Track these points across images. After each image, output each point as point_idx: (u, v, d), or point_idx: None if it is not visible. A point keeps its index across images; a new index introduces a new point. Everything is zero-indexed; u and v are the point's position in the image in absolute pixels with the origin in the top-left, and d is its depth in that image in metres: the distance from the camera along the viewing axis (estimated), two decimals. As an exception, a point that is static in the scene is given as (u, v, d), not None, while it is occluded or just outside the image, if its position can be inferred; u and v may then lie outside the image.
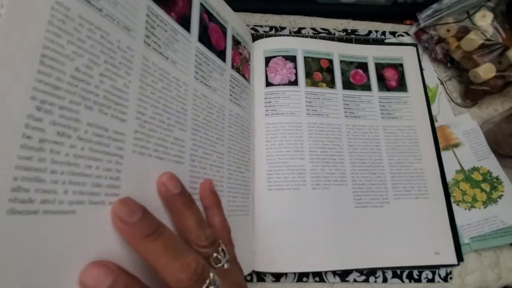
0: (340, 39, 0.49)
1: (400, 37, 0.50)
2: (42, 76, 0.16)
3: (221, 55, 0.36)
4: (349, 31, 0.50)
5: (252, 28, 0.48)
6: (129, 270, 0.18)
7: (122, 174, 0.21)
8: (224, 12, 0.38)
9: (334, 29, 0.49)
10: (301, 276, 0.38)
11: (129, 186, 0.21)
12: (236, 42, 0.40)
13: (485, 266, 0.40)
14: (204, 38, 0.33)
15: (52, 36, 0.17)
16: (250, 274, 0.37)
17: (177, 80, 0.28)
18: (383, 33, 0.50)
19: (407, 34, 0.50)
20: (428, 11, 0.47)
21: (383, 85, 0.45)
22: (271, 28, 0.49)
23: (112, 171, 0.20)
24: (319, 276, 0.38)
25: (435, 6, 0.46)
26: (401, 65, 0.46)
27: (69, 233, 0.17)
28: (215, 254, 0.23)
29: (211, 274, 0.20)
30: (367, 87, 0.44)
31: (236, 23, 0.40)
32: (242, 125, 0.38)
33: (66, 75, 0.18)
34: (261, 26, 0.48)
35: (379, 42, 0.49)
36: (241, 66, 0.40)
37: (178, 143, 0.27)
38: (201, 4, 0.34)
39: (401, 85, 0.45)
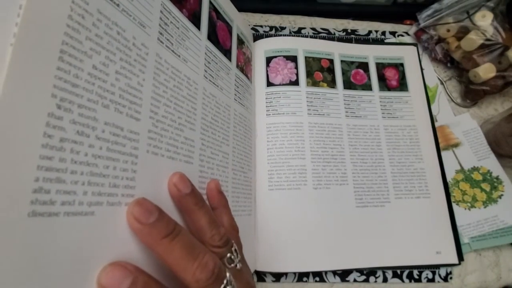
0: (340, 39, 0.49)
1: (400, 37, 0.50)
2: (62, 73, 0.16)
3: (227, 54, 0.36)
4: (349, 31, 0.50)
5: (252, 28, 0.48)
6: (146, 271, 0.18)
7: (137, 174, 0.20)
8: (230, 11, 0.38)
9: (334, 29, 0.49)
10: (301, 276, 0.38)
11: (143, 187, 0.21)
12: (241, 42, 0.40)
13: (485, 266, 0.40)
14: (213, 36, 0.33)
15: (71, 31, 0.17)
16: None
17: (188, 78, 0.28)
18: (383, 33, 0.50)
19: (407, 34, 0.50)
20: (428, 11, 0.47)
21: (384, 84, 0.45)
22: (271, 28, 0.49)
23: (128, 171, 0.20)
24: (319, 276, 0.38)
25: (435, 6, 0.46)
26: (401, 64, 0.46)
27: (88, 235, 0.17)
28: (228, 254, 0.23)
29: (228, 274, 0.20)
30: (367, 86, 0.44)
31: (240, 22, 0.41)
32: (245, 125, 0.38)
33: (84, 72, 0.18)
34: (261, 26, 0.48)
35: (379, 42, 0.49)
36: (245, 66, 0.40)
37: (188, 143, 0.27)
38: (210, 2, 0.34)
39: (402, 85, 0.45)
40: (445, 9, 0.46)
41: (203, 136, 0.29)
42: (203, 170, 0.28)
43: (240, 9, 0.49)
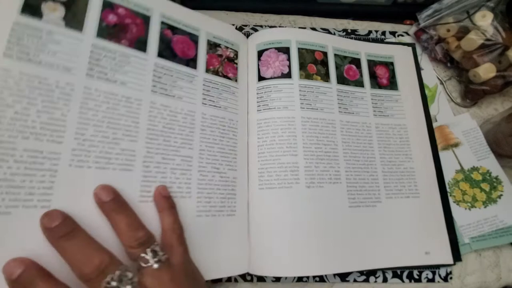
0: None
1: (400, 37, 0.50)
2: None
3: (191, 63, 0.38)
4: (349, 31, 0.50)
5: (252, 28, 0.48)
6: (54, 268, 0.24)
7: (56, 184, 0.26)
8: (194, 22, 0.39)
9: (334, 29, 0.49)
10: (301, 276, 0.37)
11: (61, 194, 0.26)
12: (214, 45, 0.41)
13: (485, 266, 0.40)
14: (166, 52, 0.36)
15: None
16: (250, 274, 0.37)
17: (128, 98, 0.31)
18: (383, 33, 0.50)
19: (407, 34, 0.50)
20: (428, 11, 0.47)
21: (375, 82, 0.45)
22: (271, 28, 0.48)
23: (45, 182, 0.25)
24: (319, 276, 0.38)
25: (435, 6, 0.46)
26: (392, 63, 0.46)
27: (3, 231, 0.24)
28: (142, 254, 0.25)
29: (117, 272, 0.23)
30: (360, 83, 0.44)
31: (213, 27, 0.41)
32: (222, 125, 0.38)
33: (6, 118, 0.24)
34: (261, 26, 0.48)
35: (379, 41, 0.49)
36: (221, 67, 0.40)
37: (127, 153, 0.30)
38: (162, 23, 0.36)
39: (392, 83, 0.45)
40: (445, 9, 0.46)
41: (149, 144, 0.32)
42: (149, 175, 0.31)
43: (240, 9, 0.49)
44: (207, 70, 0.39)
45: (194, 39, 0.39)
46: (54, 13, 0.29)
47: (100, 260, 0.23)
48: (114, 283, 0.23)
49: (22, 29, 0.27)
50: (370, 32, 0.50)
